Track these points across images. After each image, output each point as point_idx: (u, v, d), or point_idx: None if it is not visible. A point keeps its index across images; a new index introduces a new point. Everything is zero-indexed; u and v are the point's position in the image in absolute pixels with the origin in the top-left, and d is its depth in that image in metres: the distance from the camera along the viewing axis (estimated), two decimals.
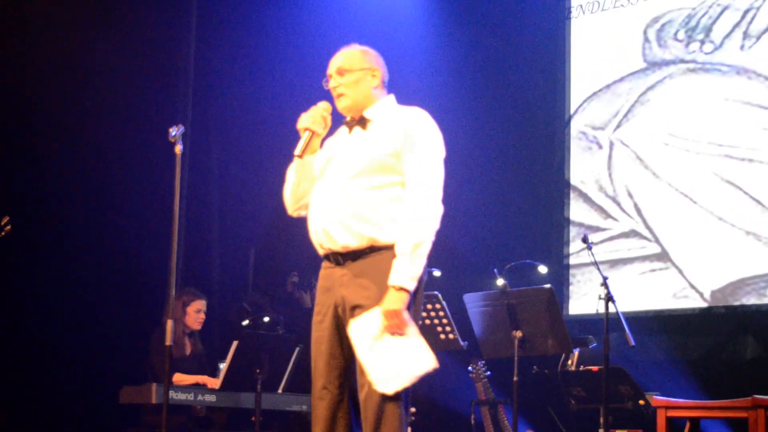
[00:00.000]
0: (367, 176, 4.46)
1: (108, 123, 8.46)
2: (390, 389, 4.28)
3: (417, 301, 4.48)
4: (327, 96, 4.66)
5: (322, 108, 4.59)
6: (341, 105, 4.62)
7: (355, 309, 4.39)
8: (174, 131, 5.68)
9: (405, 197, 4.43)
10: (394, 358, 4.31)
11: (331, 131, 4.69)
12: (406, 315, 4.31)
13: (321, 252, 4.56)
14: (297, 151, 4.55)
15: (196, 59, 9.07)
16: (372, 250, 4.42)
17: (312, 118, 4.57)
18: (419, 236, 4.34)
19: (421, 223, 4.36)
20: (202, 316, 7.67)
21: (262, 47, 9.25)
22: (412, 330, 4.34)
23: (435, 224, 4.39)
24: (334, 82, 4.62)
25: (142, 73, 8.63)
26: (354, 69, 4.61)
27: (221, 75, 9.20)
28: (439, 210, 4.42)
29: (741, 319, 8.01)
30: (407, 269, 4.32)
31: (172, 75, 8.92)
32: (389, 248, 4.40)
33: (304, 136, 4.56)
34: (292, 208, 4.71)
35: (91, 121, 8.40)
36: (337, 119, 4.67)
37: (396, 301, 4.29)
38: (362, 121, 4.59)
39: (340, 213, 4.44)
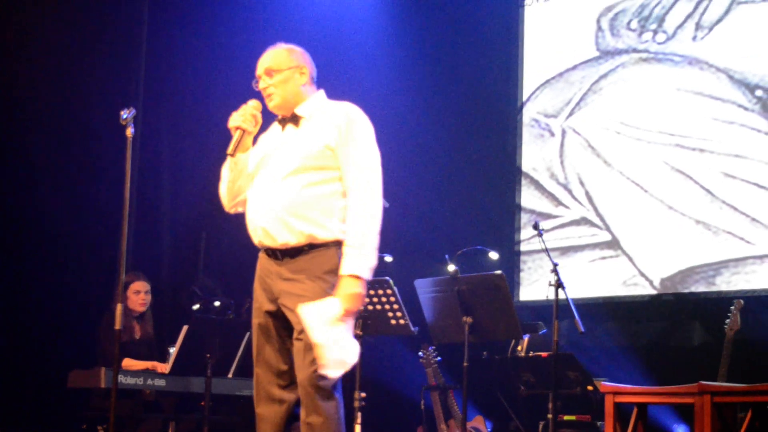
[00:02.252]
0: (303, 173, 4.51)
1: (59, 105, 8.37)
2: (336, 373, 4.32)
3: None
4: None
5: (251, 106, 4.63)
6: (272, 104, 4.67)
7: (295, 298, 4.46)
8: (125, 114, 5.64)
9: (348, 194, 4.48)
10: (342, 344, 4.34)
11: (264, 127, 4.72)
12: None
13: (260, 247, 4.63)
14: (229, 150, 4.59)
15: (148, 41, 8.99)
16: (311, 247, 4.49)
17: (242, 117, 4.61)
18: (367, 231, 4.41)
19: (367, 220, 4.42)
20: (143, 297, 7.59)
21: (215, 30, 9.20)
22: (351, 323, 4.41)
23: (378, 219, 4.47)
24: (263, 83, 4.68)
25: (94, 54, 8.55)
26: (282, 68, 4.65)
27: (173, 57, 9.13)
28: (380, 205, 4.49)
29: (689, 307, 8.08)
30: (358, 259, 4.37)
31: (124, 57, 8.84)
32: (327, 245, 4.49)
33: (236, 135, 4.60)
34: (228, 205, 4.77)
35: (42, 103, 8.32)
36: (270, 115, 4.72)
37: (354, 286, 4.34)
38: (294, 119, 4.65)
39: (278, 212, 4.50)
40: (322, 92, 4.74)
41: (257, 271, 4.65)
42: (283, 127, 4.67)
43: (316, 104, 4.67)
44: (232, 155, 4.60)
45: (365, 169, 4.49)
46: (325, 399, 4.39)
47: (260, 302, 4.61)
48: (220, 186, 4.77)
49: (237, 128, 4.59)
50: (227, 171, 4.71)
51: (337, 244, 4.48)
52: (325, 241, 4.48)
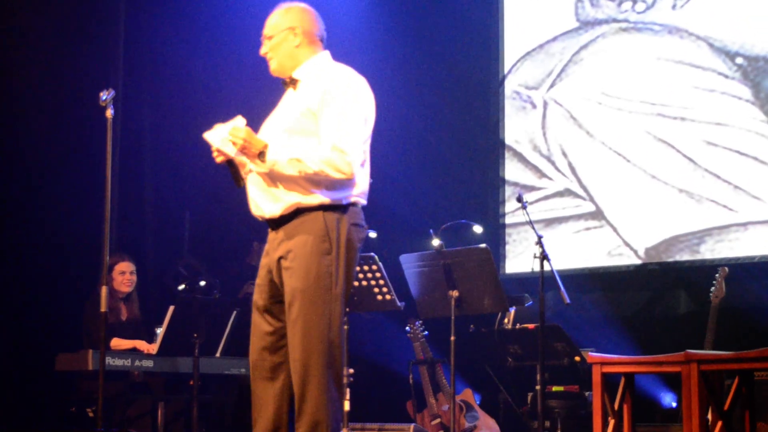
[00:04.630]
0: (289, 139, 4.46)
1: (37, 87, 8.32)
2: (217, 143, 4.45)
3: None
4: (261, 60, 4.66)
5: (225, 135, 4.50)
6: (271, 68, 4.67)
7: (283, 271, 4.46)
8: (105, 95, 5.63)
9: (320, 149, 4.40)
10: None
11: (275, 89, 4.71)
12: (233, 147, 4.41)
13: (257, 218, 4.62)
14: (237, 185, 4.60)
15: (126, 21, 8.94)
16: (298, 212, 4.46)
17: (217, 151, 4.51)
18: (310, 169, 4.36)
19: (314, 165, 4.35)
20: (128, 277, 7.59)
21: (194, 9, 9.15)
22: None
23: (329, 176, 4.39)
24: (263, 48, 4.68)
25: (72, 35, 8.49)
26: (275, 33, 4.64)
27: (152, 37, 9.07)
28: (345, 174, 4.39)
29: (674, 275, 8.11)
30: (280, 160, 4.36)
31: (102, 37, 8.78)
32: (315, 209, 4.44)
33: (230, 171, 4.57)
34: None
35: (19, 85, 8.26)
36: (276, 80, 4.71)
37: (258, 148, 4.38)
38: (293, 82, 4.60)
39: (266, 180, 4.48)
40: (325, 54, 4.67)
41: (265, 246, 4.64)
42: (286, 89, 4.66)
43: (314, 67, 4.61)
44: (241, 185, 4.59)
45: (342, 139, 4.38)
46: (317, 377, 4.38)
47: (261, 277, 4.59)
48: None
49: (222, 162, 4.52)
50: None
51: (323, 207, 4.45)
52: (312, 205, 4.44)
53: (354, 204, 4.53)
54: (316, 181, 4.42)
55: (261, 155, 4.38)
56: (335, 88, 4.46)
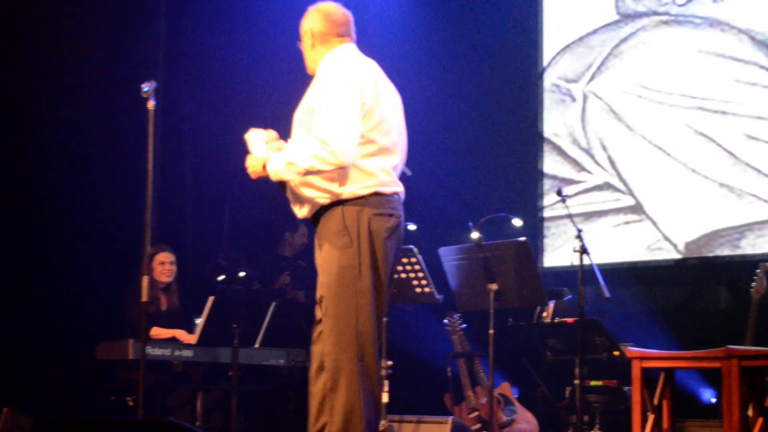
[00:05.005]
0: (305, 136, 4.52)
1: (79, 79, 8.38)
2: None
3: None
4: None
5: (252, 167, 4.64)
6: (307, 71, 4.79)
7: (317, 270, 4.57)
8: (146, 87, 5.65)
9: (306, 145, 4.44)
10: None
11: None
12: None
13: None
14: (281, 189, 4.69)
15: (168, 14, 8.98)
16: (322, 211, 4.53)
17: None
18: (298, 162, 4.41)
19: (305, 159, 4.39)
20: (168, 267, 7.64)
21: (235, 1, 9.18)
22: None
23: (321, 169, 4.41)
24: None
25: (114, 27, 8.54)
26: (302, 37, 4.75)
27: (194, 29, 9.12)
28: (333, 163, 4.39)
29: (715, 271, 8.06)
30: (278, 165, 4.45)
31: (144, 30, 8.84)
32: (334, 205, 4.50)
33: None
34: None
35: (62, 77, 8.33)
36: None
37: (260, 167, 4.51)
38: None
39: (291, 186, 4.60)
40: (340, 49, 4.69)
41: None
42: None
43: (327, 62, 4.65)
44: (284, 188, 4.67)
45: (327, 133, 4.38)
46: (347, 370, 4.40)
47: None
48: None
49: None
50: None
51: (341, 202, 4.49)
52: (329, 202, 4.50)
53: (377, 194, 4.53)
54: (329, 178, 4.47)
55: (265, 169, 4.48)
56: (323, 82, 4.52)
